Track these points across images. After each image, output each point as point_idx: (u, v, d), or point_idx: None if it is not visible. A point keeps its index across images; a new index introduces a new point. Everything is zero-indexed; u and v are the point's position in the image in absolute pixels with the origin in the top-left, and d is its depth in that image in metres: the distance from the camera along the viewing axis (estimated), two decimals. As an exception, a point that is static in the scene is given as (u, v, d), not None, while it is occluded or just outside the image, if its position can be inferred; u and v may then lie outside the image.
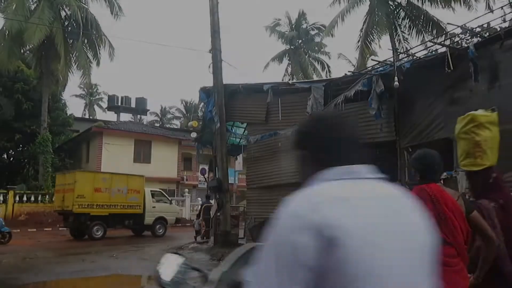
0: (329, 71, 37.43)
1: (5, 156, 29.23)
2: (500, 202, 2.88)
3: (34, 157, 25.42)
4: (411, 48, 10.68)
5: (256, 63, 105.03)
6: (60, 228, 19.38)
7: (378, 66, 8.15)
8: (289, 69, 38.22)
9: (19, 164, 27.94)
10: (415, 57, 7.42)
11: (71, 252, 11.83)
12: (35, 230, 18.54)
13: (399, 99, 7.48)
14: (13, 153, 28.85)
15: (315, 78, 32.38)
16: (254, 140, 11.24)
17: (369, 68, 9.37)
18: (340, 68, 40.77)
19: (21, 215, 20.84)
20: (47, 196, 22.60)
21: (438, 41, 9.12)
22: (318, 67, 38.09)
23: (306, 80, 13.23)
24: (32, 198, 21.90)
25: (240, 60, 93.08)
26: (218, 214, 12.18)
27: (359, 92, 7.97)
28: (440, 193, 2.41)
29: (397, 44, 22.99)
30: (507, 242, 2.75)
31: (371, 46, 25.09)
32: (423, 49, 8.66)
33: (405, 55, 9.56)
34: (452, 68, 6.24)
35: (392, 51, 10.22)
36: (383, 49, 57.86)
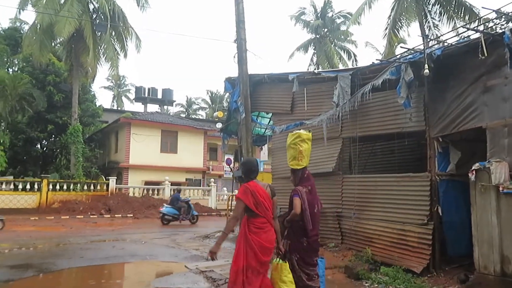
0: (356, 60, 36.79)
1: (39, 146, 30.28)
2: (308, 188, 4.80)
3: (66, 147, 26.25)
4: (441, 35, 10.31)
5: (281, 53, 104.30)
6: (91, 216, 20.05)
7: (407, 54, 7.93)
8: (315, 59, 37.76)
9: (52, 153, 28.92)
10: (446, 44, 7.15)
11: (101, 239, 12.21)
12: (67, 217, 19.22)
13: (429, 87, 7.26)
14: (46, 143, 29.85)
15: (341, 67, 31.91)
16: (280, 130, 11.20)
17: (398, 56, 9.12)
18: (367, 57, 40.01)
19: (54, 203, 21.64)
20: (79, 185, 23.34)
21: (471, 26, 8.77)
22: (344, 56, 37.47)
23: (332, 69, 13.05)
24: (65, 187, 22.67)
25: (265, 50, 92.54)
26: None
27: (387, 80, 7.78)
28: (255, 187, 4.20)
29: (427, 31, 22.33)
30: (311, 211, 4.64)
31: (399, 33, 24.45)
32: (455, 36, 8.35)
33: (436, 42, 9.26)
34: (486, 55, 5.98)
35: (422, 37, 9.92)
36: (412, 37, 56.26)
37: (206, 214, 23.11)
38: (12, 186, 21.41)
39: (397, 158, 10.57)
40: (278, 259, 4.36)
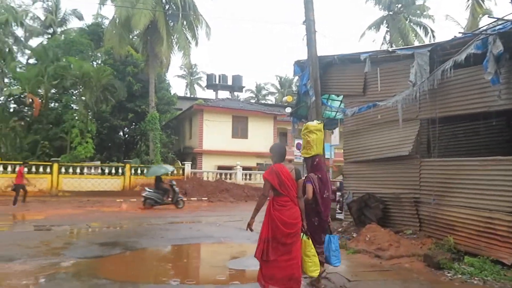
0: (433, 36, 34.39)
1: (121, 133, 32.58)
2: (319, 175, 5.31)
3: (145, 134, 27.94)
4: (537, 1, 9.18)
5: (351, 33, 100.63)
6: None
7: (495, 25, 7.15)
8: (387, 37, 35.94)
9: (132, 140, 31.02)
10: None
11: (179, 220, 12.89)
12: (148, 199, 20.50)
13: (522, 61, 6.52)
14: (127, 130, 32.04)
15: (417, 44, 29.96)
16: (351, 112, 10.82)
17: (484, 27, 8.28)
18: (446, 32, 36.96)
19: (136, 186, 23.24)
20: (157, 169, 24.71)
21: None
22: (421, 32, 35.17)
23: (408, 46, 12.25)
24: (145, 171, 24.17)
25: (334, 30, 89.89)
26: (315, 188, 12.15)
27: (471, 55, 7.10)
28: (280, 169, 4.59)
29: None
30: (321, 196, 5.24)
31: (484, 3, 22.29)
32: (554, 1, 7.36)
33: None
34: None
35: (512, 6, 8.91)
36: (499, 5, 51.04)
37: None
38: (99, 171, 23.37)
39: (483, 140, 9.73)
40: (302, 235, 4.79)
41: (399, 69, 9.39)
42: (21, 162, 18.92)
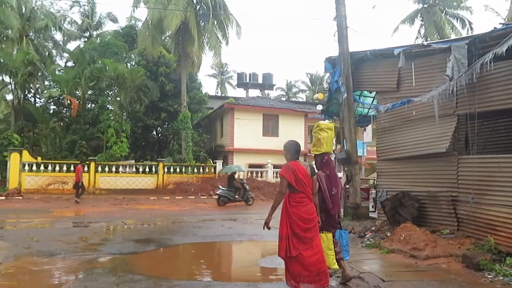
0: (471, 29, 33.05)
1: (155, 132, 33.28)
2: (327, 173, 5.39)
3: (177, 133, 28.42)
4: None
5: (383, 28, 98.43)
6: (201, 196, 21.51)
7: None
8: (422, 31, 34.87)
9: (165, 139, 31.64)
10: None
11: (211, 218, 13.03)
12: (181, 197, 20.92)
13: None
14: (160, 130, 32.70)
15: (453, 37, 28.90)
16: (385, 109, 10.58)
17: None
18: (485, 24, 35.42)
19: (169, 185, 23.71)
20: (190, 168, 25.15)
21: None
22: (458, 24, 33.88)
23: (445, 40, 11.84)
24: (178, 170, 24.63)
25: (366, 26, 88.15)
26: (347, 186, 11.98)
27: (514, 47, 6.79)
28: (296, 166, 4.66)
29: None
30: (329, 193, 5.29)
31: (526, -8, 21.18)
32: None
33: None
34: None
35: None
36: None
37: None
38: (134, 169, 23.99)
39: (526, 136, 9.25)
40: (321, 230, 4.94)
41: (435, 63, 9.09)
42: (79, 161, 20.80)
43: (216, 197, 17.77)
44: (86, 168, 21.75)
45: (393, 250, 7.44)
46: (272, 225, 4.83)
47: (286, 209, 4.65)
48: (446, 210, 8.63)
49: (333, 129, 5.66)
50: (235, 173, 19.36)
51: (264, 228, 4.76)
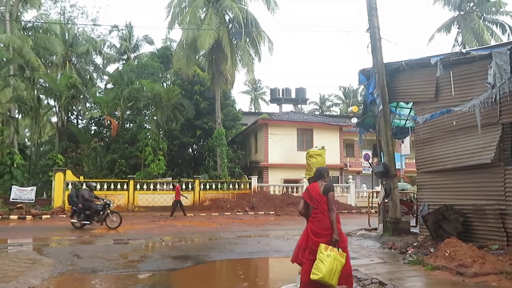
0: (512, 34, 31.73)
1: (190, 150, 33.85)
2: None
3: (212, 150, 28.77)
4: None
5: (418, 37, 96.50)
6: (237, 213, 21.53)
7: None
8: (459, 38, 33.87)
9: (201, 156, 32.09)
10: None
11: (247, 234, 12.98)
12: (217, 214, 21.01)
13: None
14: (196, 147, 33.24)
15: (493, 44, 27.86)
16: (423, 120, 10.26)
17: None
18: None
19: (205, 201, 23.90)
20: (225, 184, 25.29)
21: None
22: (497, 30, 32.70)
23: (485, 46, 11.42)
24: (213, 186, 24.81)
25: (400, 36, 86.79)
26: (386, 200, 11.63)
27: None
28: (311, 187, 5.26)
29: None
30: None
31: None
32: None
33: None
34: None
35: None
36: None
37: (346, 211, 22.68)
38: (171, 186, 24.39)
39: None
40: (336, 245, 4.99)
41: (475, 71, 8.77)
42: (177, 180, 22.82)
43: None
44: (171, 187, 23.59)
45: (438, 267, 7.10)
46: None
47: (307, 223, 5.29)
48: (494, 224, 8.18)
49: (323, 155, 6.70)
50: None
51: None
